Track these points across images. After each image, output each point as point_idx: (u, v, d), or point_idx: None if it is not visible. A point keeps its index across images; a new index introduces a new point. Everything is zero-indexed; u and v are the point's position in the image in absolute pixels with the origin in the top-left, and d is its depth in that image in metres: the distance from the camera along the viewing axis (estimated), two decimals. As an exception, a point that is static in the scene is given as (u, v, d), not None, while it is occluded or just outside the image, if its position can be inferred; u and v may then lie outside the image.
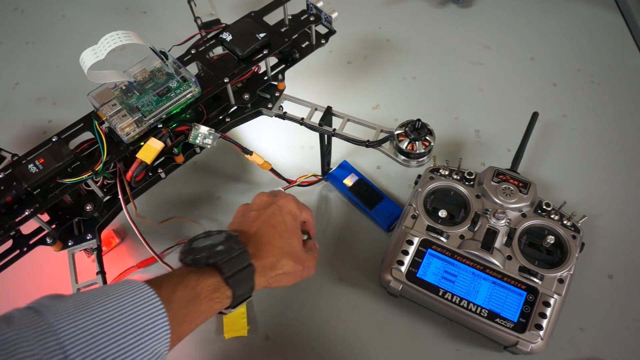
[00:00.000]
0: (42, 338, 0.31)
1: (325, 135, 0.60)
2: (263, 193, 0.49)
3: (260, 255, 0.43)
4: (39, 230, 0.50)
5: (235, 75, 0.55)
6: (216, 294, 0.40)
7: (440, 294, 0.54)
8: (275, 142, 0.73)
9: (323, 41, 0.62)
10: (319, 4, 0.59)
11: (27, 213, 0.46)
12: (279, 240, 0.45)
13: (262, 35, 0.55)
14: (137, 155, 0.49)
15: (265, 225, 0.45)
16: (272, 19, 0.59)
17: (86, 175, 0.47)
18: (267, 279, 0.44)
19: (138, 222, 0.54)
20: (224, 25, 0.60)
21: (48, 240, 0.50)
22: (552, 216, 0.58)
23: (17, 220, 0.46)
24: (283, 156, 0.71)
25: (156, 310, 0.36)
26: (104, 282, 0.51)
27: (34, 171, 0.46)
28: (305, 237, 0.50)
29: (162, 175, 0.55)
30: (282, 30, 0.59)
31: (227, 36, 0.56)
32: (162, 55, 0.52)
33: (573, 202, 0.62)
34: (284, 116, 0.58)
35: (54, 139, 0.49)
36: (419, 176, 0.64)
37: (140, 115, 0.49)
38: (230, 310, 0.43)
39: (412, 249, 0.56)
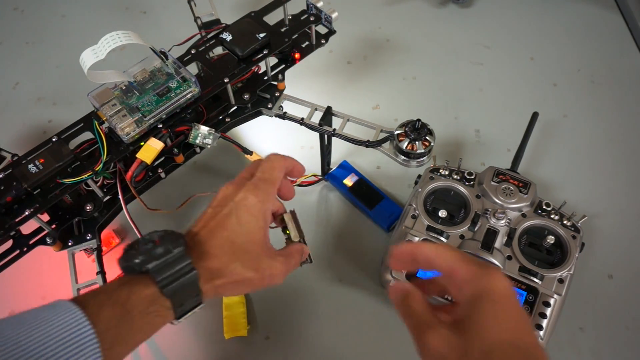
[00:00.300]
0: None
1: (325, 135, 0.60)
2: (229, 184, 0.42)
3: (206, 259, 0.38)
4: (39, 230, 0.50)
5: (235, 75, 0.55)
6: (153, 307, 0.35)
7: (440, 294, 0.54)
8: (275, 142, 0.73)
9: (323, 41, 0.62)
10: (319, 4, 0.59)
11: (27, 213, 0.46)
12: (230, 245, 0.38)
13: (262, 35, 0.55)
14: (137, 155, 0.49)
15: (218, 227, 0.39)
16: (272, 19, 0.59)
17: (86, 175, 0.47)
18: (215, 286, 0.38)
19: (138, 222, 0.54)
20: (224, 25, 0.60)
21: (48, 240, 0.50)
22: (552, 216, 0.58)
23: (17, 220, 0.46)
24: (283, 156, 0.71)
25: (84, 338, 0.32)
26: (104, 282, 0.51)
27: (34, 171, 0.46)
28: (298, 239, 0.45)
29: (162, 175, 0.55)
30: (282, 30, 0.59)
31: (227, 36, 0.56)
32: (162, 55, 0.52)
33: (573, 202, 0.62)
34: (284, 116, 0.58)
35: (54, 139, 0.49)
36: (419, 176, 0.64)
37: (140, 115, 0.49)
38: (179, 321, 0.38)
39: (412, 249, 0.56)
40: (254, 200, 0.40)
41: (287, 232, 0.45)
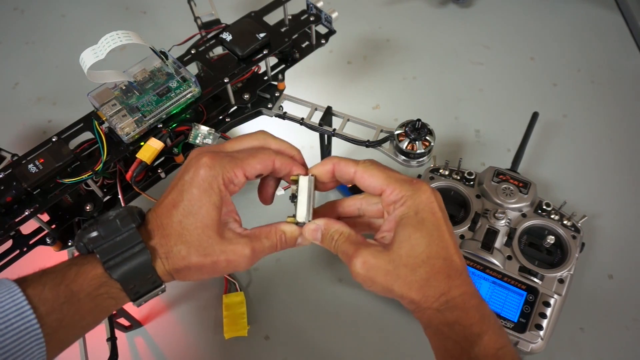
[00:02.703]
0: None
1: (325, 135, 0.60)
2: (198, 149, 0.38)
3: (157, 239, 0.35)
4: (38, 230, 0.50)
5: (235, 75, 0.55)
6: (103, 289, 0.33)
7: (440, 294, 0.54)
8: (275, 142, 0.73)
9: (323, 41, 0.62)
10: (319, 4, 0.59)
11: (27, 213, 0.46)
12: (179, 225, 0.35)
13: (262, 35, 0.55)
14: (137, 155, 0.49)
15: (170, 204, 0.36)
16: (272, 19, 0.59)
17: (86, 175, 0.47)
18: (167, 270, 0.35)
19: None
20: (224, 25, 0.60)
21: (48, 240, 0.50)
22: (552, 216, 0.58)
23: (17, 220, 0.45)
24: (283, 156, 0.71)
25: (24, 321, 0.30)
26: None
27: (33, 171, 0.46)
28: (304, 220, 0.37)
29: (162, 175, 0.55)
30: (282, 30, 0.59)
31: (227, 36, 0.56)
32: (162, 55, 0.52)
33: (573, 202, 0.62)
34: (284, 116, 0.58)
35: (53, 139, 0.49)
36: (419, 176, 0.64)
37: (140, 115, 0.49)
38: (140, 303, 0.36)
39: (412, 249, 0.56)
40: (206, 173, 0.35)
41: (295, 202, 0.37)
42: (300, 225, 0.38)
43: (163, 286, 0.36)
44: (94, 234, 0.34)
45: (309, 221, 0.37)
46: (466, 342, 0.33)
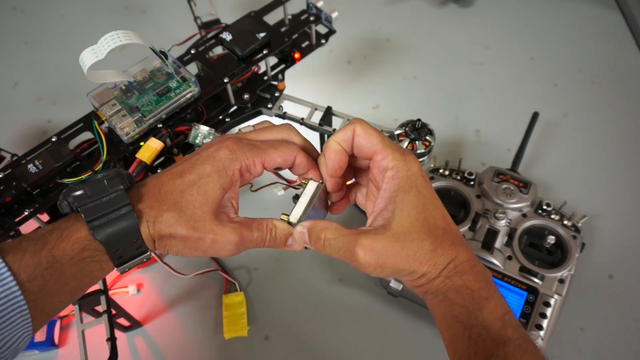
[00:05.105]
0: None
1: (325, 135, 0.60)
2: (219, 137, 0.39)
3: (147, 203, 0.34)
4: (38, 230, 0.50)
5: (235, 75, 0.55)
6: (86, 252, 0.33)
7: (441, 294, 0.54)
8: (275, 142, 0.73)
9: (323, 41, 0.62)
10: (319, 4, 0.59)
11: (26, 213, 0.46)
12: (179, 194, 0.34)
13: (262, 35, 0.55)
14: (136, 155, 0.49)
15: (177, 173, 0.35)
16: (272, 18, 0.59)
17: (86, 176, 0.47)
18: (151, 235, 0.34)
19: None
20: (223, 25, 0.60)
21: (48, 240, 0.50)
22: (552, 216, 0.58)
23: (16, 220, 0.45)
24: (283, 156, 0.71)
25: (4, 288, 0.30)
26: (104, 282, 0.51)
27: (33, 171, 0.46)
28: (285, 217, 0.37)
29: (162, 175, 0.55)
30: (282, 30, 0.59)
31: (227, 36, 0.56)
32: (162, 55, 0.52)
33: (573, 202, 0.62)
34: (284, 116, 0.58)
35: (53, 139, 0.49)
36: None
37: (140, 115, 0.49)
38: (124, 269, 0.35)
39: (412, 249, 0.56)
40: (226, 156, 0.35)
41: (296, 203, 0.38)
42: (292, 225, 0.38)
43: (148, 253, 0.35)
44: (79, 192, 0.33)
45: (299, 224, 0.37)
46: (474, 305, 0.33)
